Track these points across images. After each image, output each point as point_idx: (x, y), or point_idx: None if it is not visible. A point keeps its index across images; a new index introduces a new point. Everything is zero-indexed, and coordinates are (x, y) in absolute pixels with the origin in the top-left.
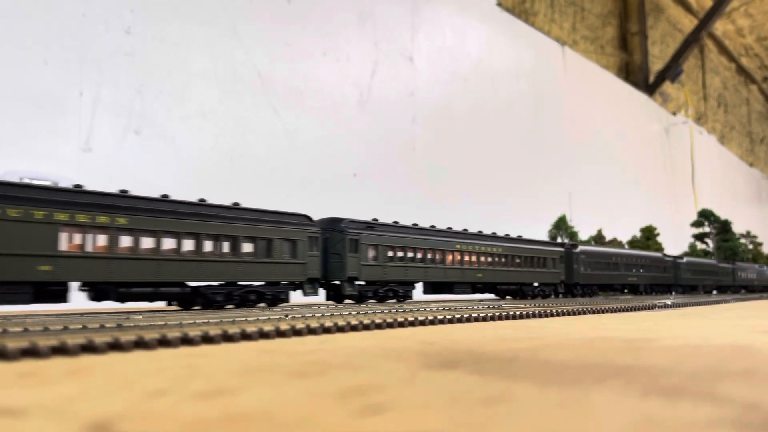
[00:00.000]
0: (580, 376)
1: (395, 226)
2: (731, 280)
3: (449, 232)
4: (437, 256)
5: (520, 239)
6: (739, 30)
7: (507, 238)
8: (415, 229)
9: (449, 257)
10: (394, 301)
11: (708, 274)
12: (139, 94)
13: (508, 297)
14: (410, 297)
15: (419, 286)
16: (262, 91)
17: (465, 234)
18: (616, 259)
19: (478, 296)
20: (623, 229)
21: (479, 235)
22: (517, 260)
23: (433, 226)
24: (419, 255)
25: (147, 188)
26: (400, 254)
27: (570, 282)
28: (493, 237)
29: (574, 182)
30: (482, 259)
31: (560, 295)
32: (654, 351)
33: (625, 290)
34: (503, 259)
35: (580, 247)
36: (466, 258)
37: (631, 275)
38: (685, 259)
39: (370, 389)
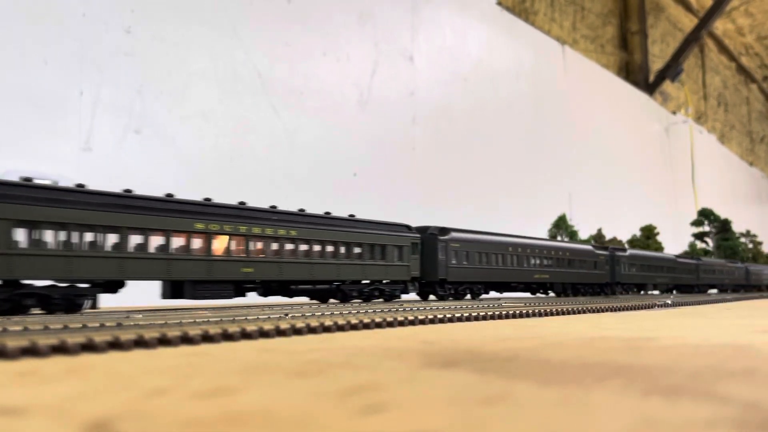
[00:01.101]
0: (580, 376)
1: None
2: (695, 279)
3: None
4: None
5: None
6: (740, 29)
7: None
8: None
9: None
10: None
11: (660, 270)
12: (139, 94)
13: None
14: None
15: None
16: (262, 91)
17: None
18: (496, 249)
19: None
20: (623, 229)
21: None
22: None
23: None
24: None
25: (147, 188)
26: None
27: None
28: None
29: (574, 181)
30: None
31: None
32: (654, 350)
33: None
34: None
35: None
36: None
37: (539, 272)
38: (628, 252)
39: (371, 388)
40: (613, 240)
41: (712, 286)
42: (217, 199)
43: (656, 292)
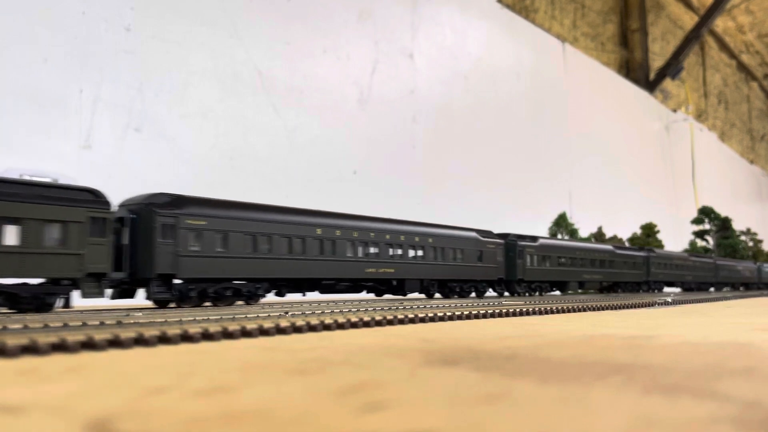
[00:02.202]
0: (580, 374)
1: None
2: (643, 275)
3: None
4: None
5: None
6: (740, 27)
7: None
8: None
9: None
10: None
11: (584, 265)
12: (140, 92)
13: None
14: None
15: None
16: (262, 89)
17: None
18: (559, 253)
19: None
20: (623, 227)
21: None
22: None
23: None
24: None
25: (147, 186)
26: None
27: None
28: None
29: (574, 179)
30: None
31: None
32: (654, 349)
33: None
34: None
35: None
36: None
37: (589, 272)
38: (539, 242)
39: (370, 386)
40: (614, 238)
41: (669, 284)
42: (217, 196)
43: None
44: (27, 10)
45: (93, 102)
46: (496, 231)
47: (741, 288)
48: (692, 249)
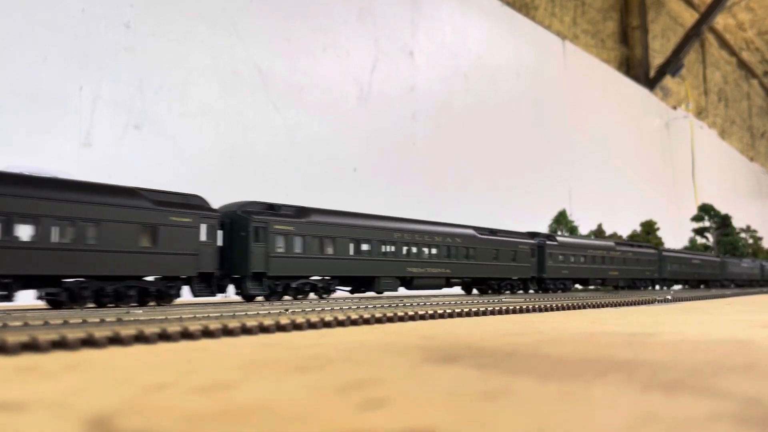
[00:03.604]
0: (580, 371)
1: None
2: (657, 272)
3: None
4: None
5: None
6: (740, 24)
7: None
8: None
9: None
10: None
11: (605, 262)
12: (139, 90)
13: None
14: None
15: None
16: (262, 87)
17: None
18: (582, 252)
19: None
20: (623, 224)
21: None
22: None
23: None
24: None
25: (147, 184)
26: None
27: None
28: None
29: (574, 176)
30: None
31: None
32: (654, 346)
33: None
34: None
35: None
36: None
37: (611, 269)
38: (563, 241)
39: (371, 383)
40: (614, 235)
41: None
42: (217, 195)
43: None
44: (27, 8)
45: (93, 100)
46: (495, 229)
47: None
48: (692, 246)
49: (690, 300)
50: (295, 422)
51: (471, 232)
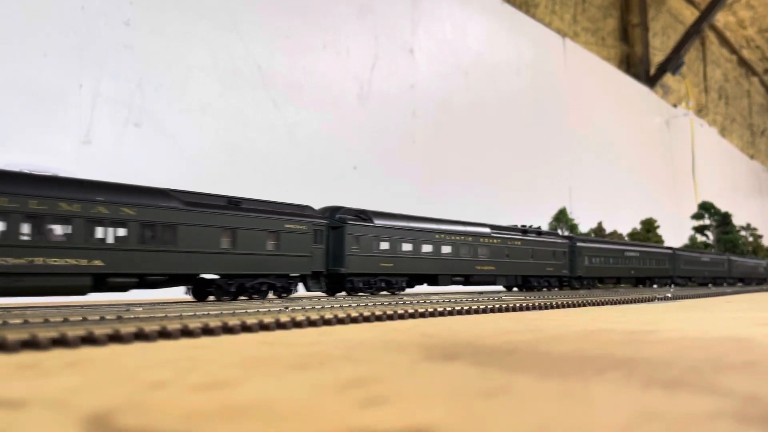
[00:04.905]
0: (579, 369)
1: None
2: (671, 270)
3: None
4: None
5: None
6: (741, 22)
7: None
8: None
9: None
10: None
11: (628, 262)
12: (139, 87)
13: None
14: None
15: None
16: (262, 84)
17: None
18: (610, 254)
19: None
20: (623, 222)
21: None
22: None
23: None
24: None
25: (147, 182)
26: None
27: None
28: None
29: (575, 174)
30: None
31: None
32: (654, 343)
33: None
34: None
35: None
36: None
37: (635, 268)
38: (593, 244)
39: (371, 381)
40: (614, 233)
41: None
42: (217, 192)
43: None
44: (26, 4)
45: (92, 97)
46: (534, 228)
47: (753, 283)
48: (692, 244)
49: (690, 298)
50: (295, 420)
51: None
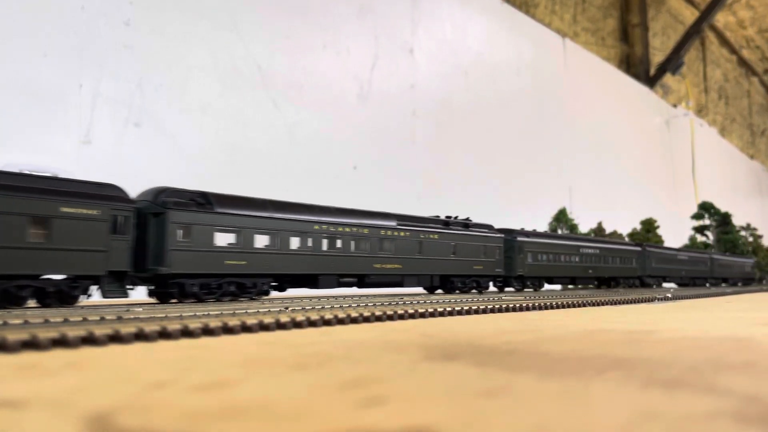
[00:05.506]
0: (579, 368)
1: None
2: (640, 270)
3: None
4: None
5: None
6: (741, 22)
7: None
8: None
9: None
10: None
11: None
12: (139, 87)
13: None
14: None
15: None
16: (262, 84)
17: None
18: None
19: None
20: (623, 222)
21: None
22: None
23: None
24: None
25: (146, 181)
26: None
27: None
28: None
29: (574, 174)
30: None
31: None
32: (653, 343)
33: None
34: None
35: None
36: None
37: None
38: (535, 239)
39: (371, 381)
40: (614, 233)
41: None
42: (218, 192)
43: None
44: (26, 4)
45: (92, 97)
46: (496, 226)
47: (739, 283)
48: (692, 244)
49: (690, 298)
50: (294, 420)
51: (435, 227)
